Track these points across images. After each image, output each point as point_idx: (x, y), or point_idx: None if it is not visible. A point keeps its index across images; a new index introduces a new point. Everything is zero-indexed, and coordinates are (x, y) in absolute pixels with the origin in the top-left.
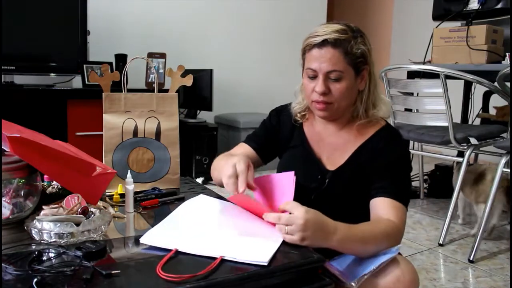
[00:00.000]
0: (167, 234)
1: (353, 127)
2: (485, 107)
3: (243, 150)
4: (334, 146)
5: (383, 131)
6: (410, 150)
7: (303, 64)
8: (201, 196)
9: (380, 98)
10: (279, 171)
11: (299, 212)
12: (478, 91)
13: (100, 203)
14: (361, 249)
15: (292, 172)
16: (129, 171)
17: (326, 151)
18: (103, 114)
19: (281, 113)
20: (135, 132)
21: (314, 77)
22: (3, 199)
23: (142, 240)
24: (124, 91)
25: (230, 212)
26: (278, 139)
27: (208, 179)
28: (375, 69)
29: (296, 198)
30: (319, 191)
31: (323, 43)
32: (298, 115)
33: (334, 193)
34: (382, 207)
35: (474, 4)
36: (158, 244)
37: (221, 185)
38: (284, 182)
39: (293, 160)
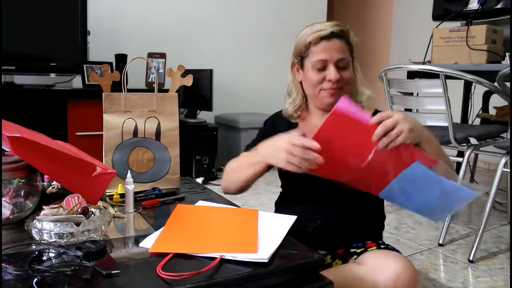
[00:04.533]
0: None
1: None
2: (485, 107)
3: None
4: None
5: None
6: None
7: (300, 60)
8: (200, 202)
9: (362, 84)
10: (280, 172)
11: (394, 114)
12: (478, 91)
13: (100, 203)
14: (436, 155)
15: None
16: (129, 171)
17: None
18: (103, 114)
19: (275, 119)
20: (135, 132)
21: (322, 68)
22: (3, 199)
23: (141, 245)
24: (124, 91)
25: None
26: None
27: (208, 179)
28: (372, 69)
29: (300, 192)
30: (323, 184)
31: (331, 35)
32: (294, 115)
33: (337, 185)
34: None
35: (474, 4)
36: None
37: (235, 192)
38: (350, 112)
39: None
